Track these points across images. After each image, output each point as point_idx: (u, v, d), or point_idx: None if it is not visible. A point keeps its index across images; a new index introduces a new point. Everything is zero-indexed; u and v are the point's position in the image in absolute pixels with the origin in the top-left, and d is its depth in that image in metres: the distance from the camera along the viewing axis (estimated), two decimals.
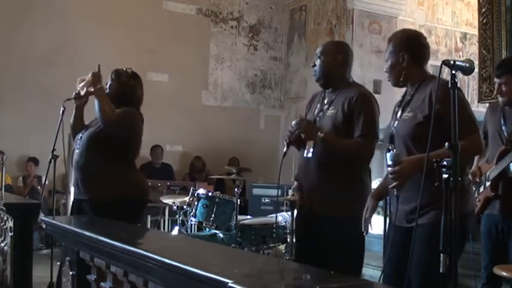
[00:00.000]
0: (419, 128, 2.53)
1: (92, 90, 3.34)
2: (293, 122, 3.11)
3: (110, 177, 3.37)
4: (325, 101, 3.12)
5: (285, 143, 3.08)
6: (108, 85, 3.52)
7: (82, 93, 3.41)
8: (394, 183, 2.49)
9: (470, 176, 3.34)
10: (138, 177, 3.63)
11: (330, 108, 3.05)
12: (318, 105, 3.16)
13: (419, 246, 2.38)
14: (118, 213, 3.00)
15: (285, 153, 3.07)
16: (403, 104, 2.68)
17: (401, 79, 2.67)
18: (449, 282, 2.05)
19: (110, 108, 3.34)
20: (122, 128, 3.37)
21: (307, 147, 3.06)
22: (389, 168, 2.52)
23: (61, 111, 3.61)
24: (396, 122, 2.66)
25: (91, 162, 3.41)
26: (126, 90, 3.52)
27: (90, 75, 3.37)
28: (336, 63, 3.10)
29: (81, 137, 3.50)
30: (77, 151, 3.52)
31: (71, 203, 3.60)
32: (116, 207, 3.18)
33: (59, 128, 3.65)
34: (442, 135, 2.37)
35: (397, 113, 2.70)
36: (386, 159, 2.58)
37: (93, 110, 3.50)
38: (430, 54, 2.75)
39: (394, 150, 2.57)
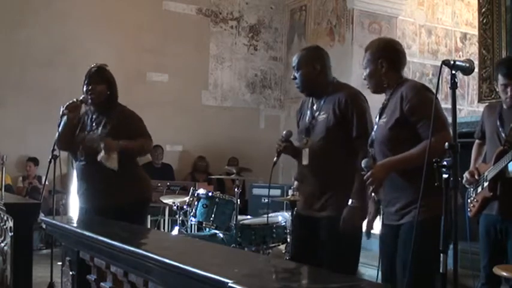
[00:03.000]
0: (392, 133, 2.62)
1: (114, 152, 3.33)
2: (284, 132, 3.14)
3: (121, 182, 3.36)
4: (315, 107, 3.12)
5: (276, 153, 3.11)
6: (99, 89, 3.42)
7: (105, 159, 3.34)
8: (370, 189, 2.59)
9: (467, 175, 3.35)
10: (143, 177, 3.61)
11: (321, 114, 3.07)
12: (308, 112, 3.16)
13: (406, 243, 2.47)
14: (125, 215, 2.98)
15: (275, 163, 3.11)
16: (380, 110, 2.77)
17: (381, 85, 2.75)
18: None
19: (145, 146, 3.43)
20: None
21: (303, 154, 3.09)
22: (363, 174, 2.62)
23: (60, 112, 3.60)
24: (375, 128, 2.76)
25: (102, 173, 3.35)
26: (114, 86, 3.47)
27: (102, 146, 3.30)
28: (316, 73, 3.09)
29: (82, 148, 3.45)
30: (81, 163, 3.48)
31: (79, 211, 3.56)
32: (124, 210, 3.18)
33: (59, 127, 3.64)
34: (413, 137, 2.46)
35: (376, 119, 2.79)
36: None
37: None
38: (406, 60, 2.83)
39: (370, 155, 2.70)
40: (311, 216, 3.07)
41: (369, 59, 2.76)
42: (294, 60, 3.15)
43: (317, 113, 3.09)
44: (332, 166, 2.99)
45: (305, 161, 3.09)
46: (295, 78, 3.14)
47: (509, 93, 3.19)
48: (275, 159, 3.11)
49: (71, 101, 3.45)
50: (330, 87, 3.11)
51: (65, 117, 3.45)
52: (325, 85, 3.10)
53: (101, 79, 3.43)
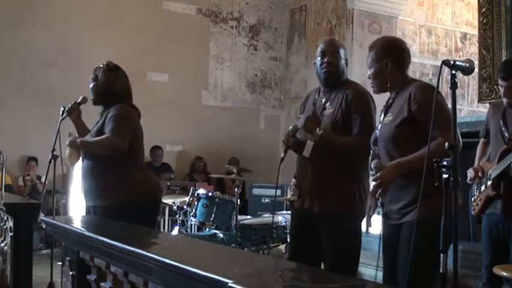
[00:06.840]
0: (398, 131, 2.61)
1: (79, 153, 3.37)
2: (290, 127, 3.13)
3: (121, 180, 3.32)
4: (323, 100, 3.12)
5: (283, 148, 3.10)
6: (91, 87, 3.48)
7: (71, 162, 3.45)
8: (378, 191, 2.57)
9: (471, 173, 3.35)
10: (148, 176, 3.56)
11: (328, 108, 3.07)
12: (312, 106, 3.16)
13: (406, 242, 2.47)
14: (133, 216, 2.95)
15: (283, 159, 3.09)
16: (385, 108, 2.76)
17: (386, 85, 2.73)
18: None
19: (106, 143, 3.28)
20: (128, 141, 3.31)
21: (306, 146, 3.07)
22: (372, 176, 2.61)
23: (61, 112, 3.61)
24: (380, 126, 2.74)
25: (99, 169, 3.34)
26: (105, 86, 3.44)
27: (67, 143, 3.38)
28: (343, 65, 3.13)
29: None
30: (83, 162, 3.46)
31: (86, 210, 3.54)
32: (131, 210, 3.16)
33: (58, 128, 3.65)
34: (419, 136, 2.45)
35: (380, 117, 2.78)
36: (370, 164, 2.69)
37: (94, 112, 3.52)
38: (411, 58, 2.81)
39: (376, 157, 2.69)
40: (310, 213, 3.06)
41: (373, 58, 2.74)
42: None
43: (327, 103, 3.09)
44: (331, 161, 2.99)
45: (306, 153, 3.07)
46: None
47: (500, 92, 3.27)
48: (282, 155, 3.09)
49: (70, 104, 3.58)
50: (344, 82, 3.15)
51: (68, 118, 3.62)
52: (344, 79, 3.15)
53: (95, 77, 3.49)
